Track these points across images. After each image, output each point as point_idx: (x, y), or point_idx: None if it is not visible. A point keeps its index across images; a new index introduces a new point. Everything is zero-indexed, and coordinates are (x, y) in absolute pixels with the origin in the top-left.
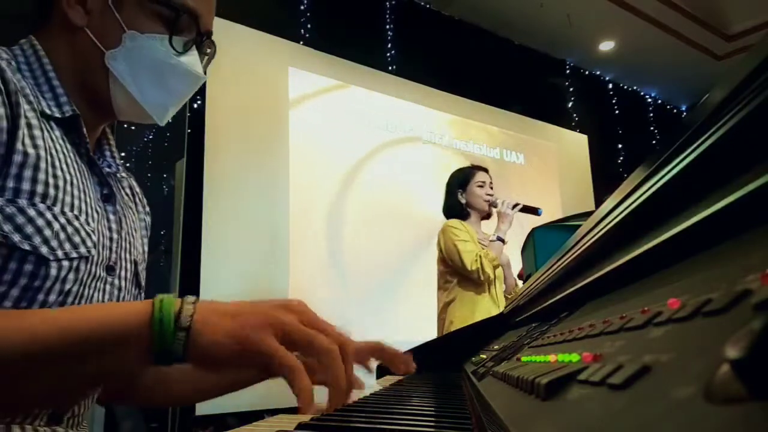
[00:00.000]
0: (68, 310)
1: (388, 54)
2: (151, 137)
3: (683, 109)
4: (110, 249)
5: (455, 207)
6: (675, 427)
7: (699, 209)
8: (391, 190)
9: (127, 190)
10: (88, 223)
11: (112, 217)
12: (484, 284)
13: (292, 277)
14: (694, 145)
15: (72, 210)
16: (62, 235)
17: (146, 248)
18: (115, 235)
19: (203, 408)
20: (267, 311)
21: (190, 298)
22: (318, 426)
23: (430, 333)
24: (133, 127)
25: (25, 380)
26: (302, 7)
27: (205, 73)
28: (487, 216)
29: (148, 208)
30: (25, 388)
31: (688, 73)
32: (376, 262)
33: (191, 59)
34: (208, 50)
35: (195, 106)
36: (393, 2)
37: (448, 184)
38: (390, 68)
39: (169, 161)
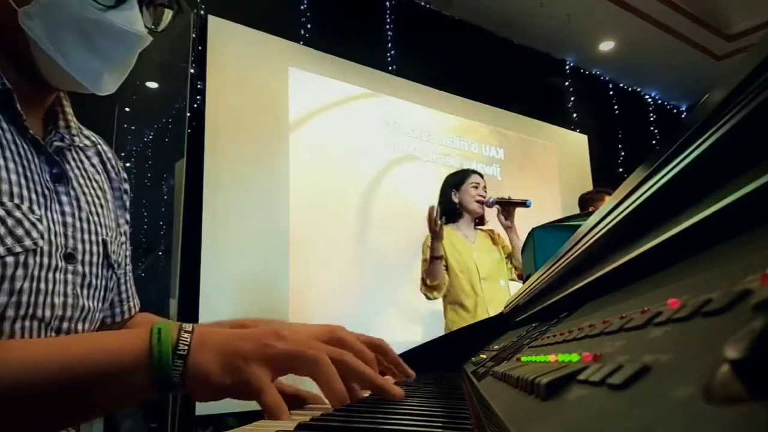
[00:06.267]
0: (66, 340)
1: (388, 54)
2: (151, 137)
3: (683, 109)
4: (65, 235)
5: (448, 207)
6: (675, 428)
7: (699, 209)
8: (391, 190)
9: (94, 160)
10: (33, 211)
11: (64, 198)
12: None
13: (292, 277)
14: (694, 145)
15: (12, 199)
16: (2, 229)
17: (127, 218)
18: (69, 219)
19: (203, 408)
20: (259, 339)
21: (187, 326)
22: (318, 426)
23: (430, 333)
24: (133, 127)
25: (28, 413)
26: (302, 7)
27: (156, 29)
28: (480, 219)
29: (124, 174)
30: (27, 420)
31: (688, 73)
32: (376, 262)
33: (125, 14)
34: (158, 2)
35: (195, 106)
36: (393, 2)
37: (443, 185)
38: (390, 68)
39: (169, 161)
